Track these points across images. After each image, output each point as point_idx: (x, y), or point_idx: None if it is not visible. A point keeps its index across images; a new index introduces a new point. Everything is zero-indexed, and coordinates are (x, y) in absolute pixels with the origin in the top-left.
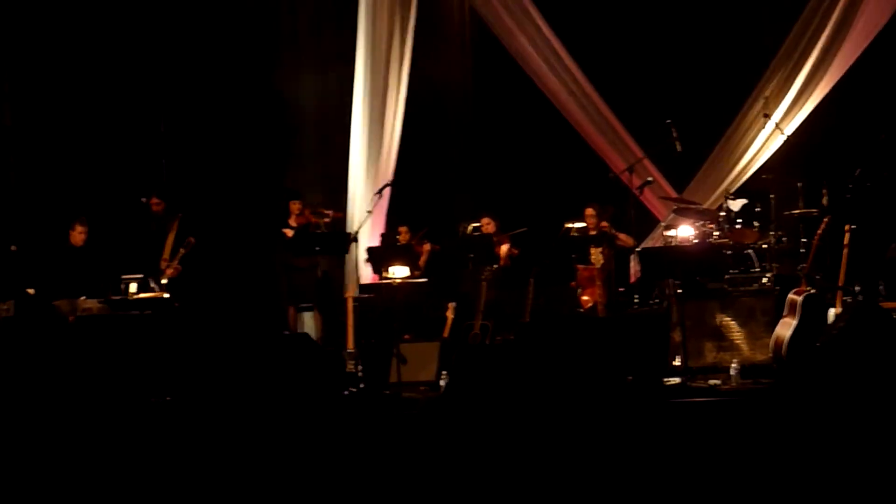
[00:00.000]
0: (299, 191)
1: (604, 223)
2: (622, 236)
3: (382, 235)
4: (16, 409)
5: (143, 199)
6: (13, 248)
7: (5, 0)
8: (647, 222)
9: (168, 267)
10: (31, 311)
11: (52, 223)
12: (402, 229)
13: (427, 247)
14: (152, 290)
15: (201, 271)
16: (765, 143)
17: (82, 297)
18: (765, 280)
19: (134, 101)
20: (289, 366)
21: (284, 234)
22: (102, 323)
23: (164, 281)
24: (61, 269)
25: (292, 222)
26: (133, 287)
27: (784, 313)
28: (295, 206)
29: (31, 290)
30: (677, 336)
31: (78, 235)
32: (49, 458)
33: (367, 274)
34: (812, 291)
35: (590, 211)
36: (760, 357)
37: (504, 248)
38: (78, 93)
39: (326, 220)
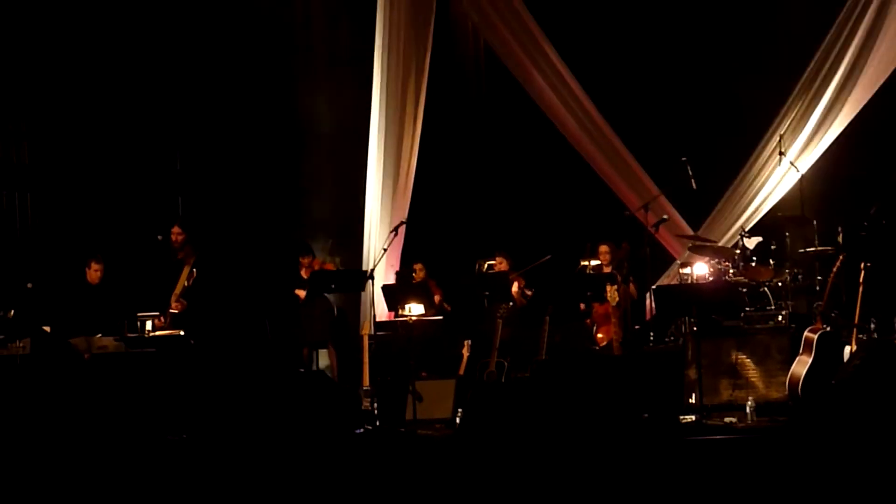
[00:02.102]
0: (313, 231)
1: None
2: (632, 287)
3: (397, 273)
4: (32, 446)
5: (160, 237)
6: (29, 285)
7: (21, 40)
8: (662, 260)
9: (175, 302)
10: (47, 349)
11: (68, 261)
12: (418, 266)
13: (437, 299)
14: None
15: (216, 309)
16: (780, 180)
17: (98, 335)
18: (780, 318)
19: (149, 139)
20: (305, 403)
21: (298, 297)
22: (118, 360)
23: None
24: (77, 306)
25: (304, 274)
26: (149, 325)
27: (800, 351)
28: (305, 261)
29: (47, 328)
30: (693, 374)
31: (94, 273)
32: (66, 495)
33: (382, 311)
34: (827, 329)
35: (604, 248)
36: (776, 395)
37: (514, 287)
38: (93, 131)
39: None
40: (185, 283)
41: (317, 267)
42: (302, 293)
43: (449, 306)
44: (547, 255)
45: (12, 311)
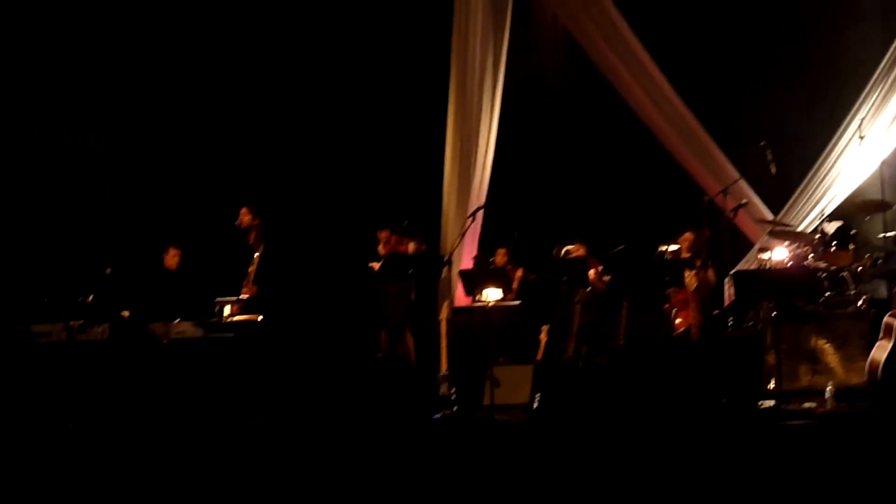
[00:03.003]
0: (390, 215)
1: (697, 260)
2: (711, 273)
3: (475, 258)
4: (112, 430)
5: (237, 223)
6: (108, 271)
7: (99, 26)
8: (741, 245)
9: (245, 287)
10: (126, 334)
11: (146, 246)
12: (501, 251)
13: (520, 273)
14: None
15: (293, 294)
16: (860, 165)
17: (177, 320)
18: (860, 303)
19: (228, 125)
20: (383, 389)
21: (371, 269)
22: (197, 346)
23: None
24: (155, 292)
25: (380, 250)
26: (227, 310)
27: (880, 336)
28: (382, 235)
29: (125, 313)
30: (772, 359)
31: (172, 258)
32: (146, 479)
33: (460, 296)
34: None
35: (688, 235)
36: (856, 380)
37: (591, 273)
38: (171, 116)
39: (410, 249)
40: (251, 269)
41: (394, 241)
42: (375, 265)
43: (533, 275)
44: (625, 240)
45: (91, 297)
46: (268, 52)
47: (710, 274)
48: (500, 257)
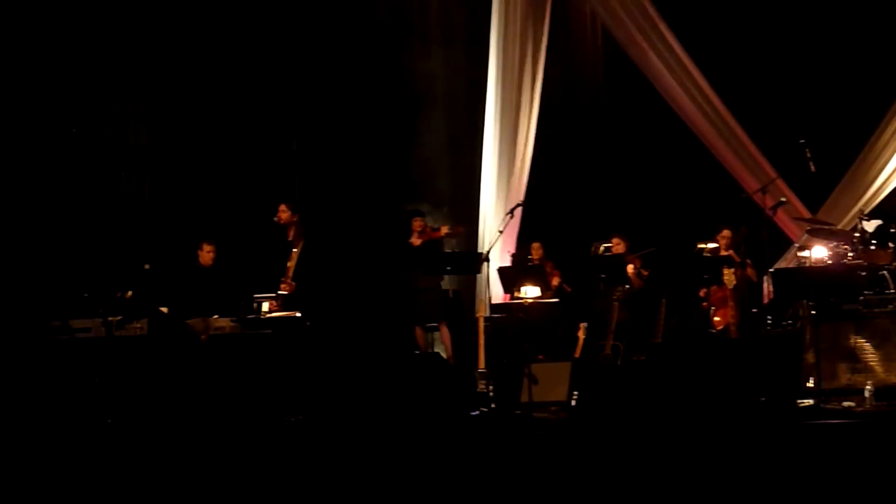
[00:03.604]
0: (426, 208)
1: (736, 257)
2: (749, 271)
3: (513, 255)
4: (149, 426)
5: (276, 218)
6: (146, 266)
7: (139, 21)
8: (780, 243)
9: (284, 283)
10: (165, 330)
11: (184, 242)
12: (535, 245)
13: (556, 281)
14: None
15: (331, 290)
16: None
17: (215, 316)
18: None
19: (266, 121)
20: (420, 385)
21: (412, 245)
22: (235, 341)
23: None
24: (192, 288)
25: (414, 241)
26: (265, 306)
27: None
28: (417, 224)
29: (164, 309)
30: (811, 357)
31: (206, 255)
32: (184, 474)
33: (498, 293)
34: None
35: (725, 232)
36: (895, 379)
37: (630, 268)
38: (210, 112)
39: (446, 234)
40: (290, 265)
41: (428, 230)
42: (416, 241)
43: (569, 288)
44: (663, 237)
45: (130, 292)
46: (307, 47)
47: (749, 272)
48: (535, 252)
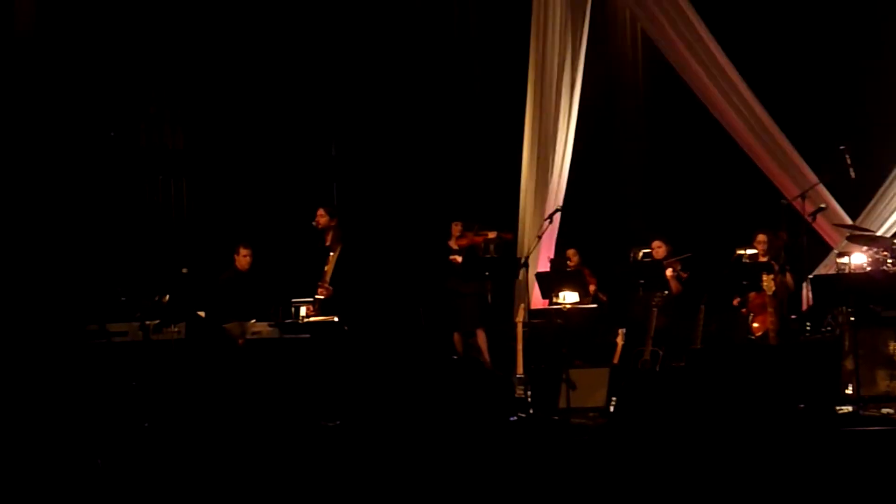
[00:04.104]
0: (465, 213)
1: (775, 264)
2: (788, 277)
3: (551, 260)
4: (187, 431)
5: (314, 223)
6: (184, 270)
7: (176, 23)
8: (819, 249)
9: (321, 288)
10: (202, 334)
11: (222, 246)
12: (571, 252)
13: (593, 288)
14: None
15: (370, 295)
16: None
17: (252, 321)
18: None
19: (305, 124)
20: (459, 391)
21: (454, 262)
22: (272, 346)
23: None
24: (229, 292)
25: (453, 244)
26: (303, 311)
27: None
28: (456, 228)
29: (201, 313)
30: (850, 364)
31: (242, 259)
32: (224, 478)
33: (536, 299)
34: None
35: (761, 237)
36: None
37: (669, 272)
38: (248, 116)
39: (492, 238)
40: (327, 269)
41: (471, 234)
42: (458, 258)
43: (605, 296)
44: (702, 242)
45: (167, 296)
46: (347, 50)
47: (788, 278)
48: (572, 258)
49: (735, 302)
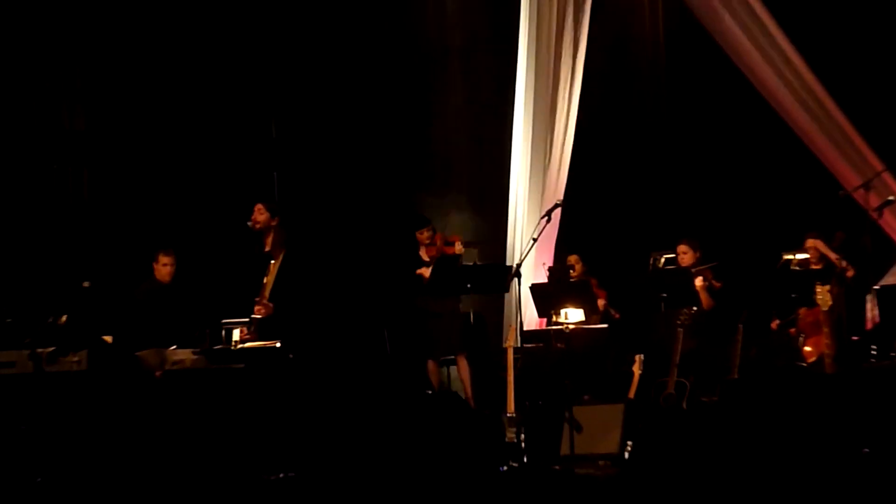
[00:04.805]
0: (431, 215)
1: (833, 255)
2: (850, 271)
3: (550, 269)
4: (92, 487)
5: (250, 222)
6: (86, 284)
7: None
8: (887, 252)
9: (259, 305)
10: (109, 364)
11: (134, 253)
12: (573, 258)
13: (603, 302)
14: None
15: (320, 314)
16: None
17: (173, 347)
18: None
19: (238, 102)
20: (434, 433)
21: (422, 277)
22: (198, 379)
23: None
24: (145, 310)
25: (423, 255)
26: (236, 334)
27: None
28: (423, 236)
29: (107, 338)
30: None
31: (163, 269)
32: None
33: (531, 317)
34: None
35: (810, 241)
36: None
37: (699, 282)
38: (167, 91)
39: (458, 249)
40: (267, 279)
41: (439, 242)
42: (426, 272)
43: (617, 313)
44: (739, 246)
45: (65, 317)
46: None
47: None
48: (576, 268)
49: (774, 325)
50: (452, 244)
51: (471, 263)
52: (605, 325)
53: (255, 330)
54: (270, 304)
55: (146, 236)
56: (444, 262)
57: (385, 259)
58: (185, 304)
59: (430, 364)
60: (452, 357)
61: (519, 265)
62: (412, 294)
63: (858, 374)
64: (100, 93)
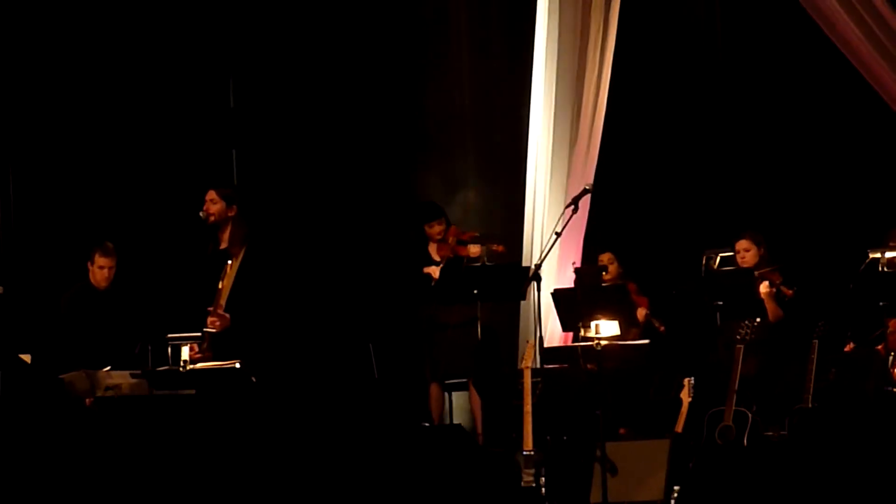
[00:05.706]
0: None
1: None
2: None
3: (577, 270)
4: None
5: (202, 213)
6: None
7: None
8: None
9: (212, 316)
10: (27, 389)
11: (61, 253)
12: (606, 258)
13: (643, 311)
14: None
15: (289, 326)
16: None
17: (107, 368)
18: None
19: (187, 58)
20: (434, 474)
21: (430, 278)
22: (138, 407)
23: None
24: (74, 323)
25: (432, 252)
26: (185, 352)
27: None
28: (434, 231)
29: (25, 357)
30: None
31: (98, 272)
32: None
33: (554, 331)
34: None
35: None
36: None
37: (764, 287)
38: (92, 47)
39: (472, 252)
40: (229, 287)
41: (452, 240)
42: (435, 271)
43: (661, 325)
44: (814, 243)
45: None
46: None
47: None
48: (610, 269)
49: (848, 347)
50: (466, 244)
51: (478, 265)
52: (646, 341)
53: (209, 347)
54: (227, 315)
55: (76, 233)
56: (450, 263)
57: (373, 257)
58: (122, 315)
59: (433, 389)
60: (462, 381)
61: (538, 266)
62: (415, 300)
63: None
64: (15, 60)
